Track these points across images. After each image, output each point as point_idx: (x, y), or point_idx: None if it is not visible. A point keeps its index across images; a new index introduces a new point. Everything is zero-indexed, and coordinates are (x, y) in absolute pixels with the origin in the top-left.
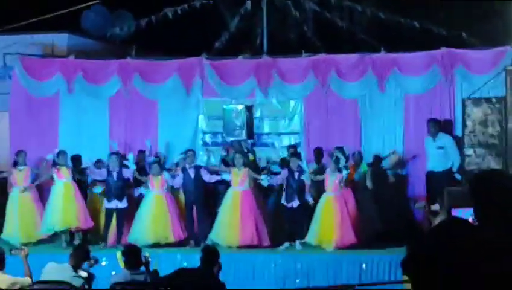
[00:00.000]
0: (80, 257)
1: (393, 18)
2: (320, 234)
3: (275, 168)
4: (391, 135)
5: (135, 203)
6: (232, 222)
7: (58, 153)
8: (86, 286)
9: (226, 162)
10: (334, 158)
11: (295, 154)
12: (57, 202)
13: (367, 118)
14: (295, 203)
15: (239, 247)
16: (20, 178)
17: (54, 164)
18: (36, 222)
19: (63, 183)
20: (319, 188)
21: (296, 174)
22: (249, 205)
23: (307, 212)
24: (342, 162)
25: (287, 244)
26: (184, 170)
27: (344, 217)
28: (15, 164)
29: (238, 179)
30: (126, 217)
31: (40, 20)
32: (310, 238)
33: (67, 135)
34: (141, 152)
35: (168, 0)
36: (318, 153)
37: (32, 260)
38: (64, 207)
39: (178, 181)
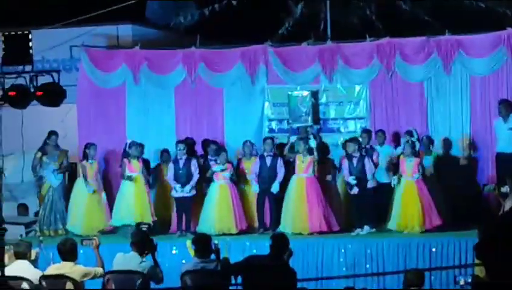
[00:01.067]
0: (141, 242)
1: None
2: (405, 220)
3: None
4: (458, 117)
5: (202, 191)
6: (299, 210)
7: (131, 144)
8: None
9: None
10: (409, 142)
11: (352, 139)
12: (128, 196)
13: (433, 101)
14: (355, 189)
15: (309, 234)
16: (90, 172)
17: (125, 155)
18: (100, 214)
19: (133, 177)
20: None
21: (354, 160)
22: (315, 191)
23: (372, 197)
24: (417, 145)
25: (359, 230)
26: (261, 157)
27: (426, 201)
28: (85, 156)
29: (303, 165)
30: (193, 205)
31: (104, 11)
32: (392, 224)
33: (135, 125)
34: (206, 141)
35: None
36: (383, 135)
37: (102, 250)
38: (137, 202)
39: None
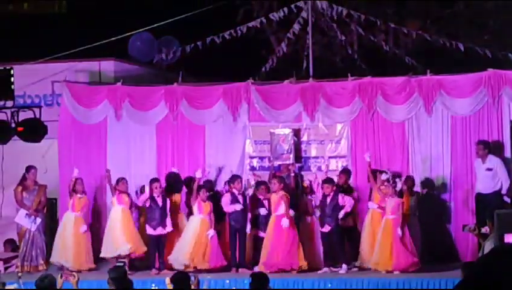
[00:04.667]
0: (119, 278)
1: (438, 40)
2: (379, 257)
3: None
4: (439, 157)
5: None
6: (277, 248)
7: (119, 179)
8: None
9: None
10: (391, 182)
11: (328, 180)
12: (116, 227)
13: (414, 141)
14: (326, 228)
15: (277, 272)
16: (79, 205)
17: (115, 188)
18: (87, 249)
19: (121, 209)
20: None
21: (328, 199)
22: (286, 230)
23: (343, 236)
24: (399, 185)
25: (325, 269)
26: (233, 195)
27: (402, 240)
28: (75, 191)
29: (277, 204)
30: (167, 241)
31: (86, 47)
32: (368, 261)
33: (115, 161)
34: (188, 178)
35: (213, 25)
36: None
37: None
38: (125, 233)
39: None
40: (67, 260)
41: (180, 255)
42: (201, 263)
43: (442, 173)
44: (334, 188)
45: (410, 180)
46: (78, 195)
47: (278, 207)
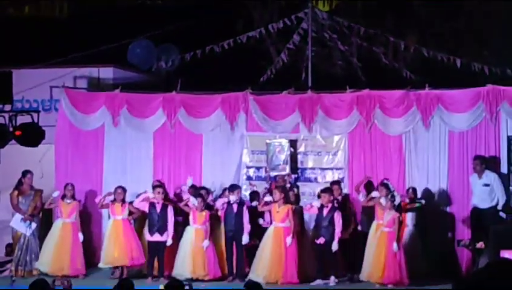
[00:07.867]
0: None
1: (437, 55)
2: (371, 269)
3: None
4: (435, 171)
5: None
6: (275, 260)
7: (115, 189)
8: None
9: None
10: (390, 195)
11: (326, 189)
12: (110, 239)
13: (411, 154)
14: (321, 239)
15: (281, 284)
16: (66, 211)
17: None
18: (71, 255)
19: (113, 220)
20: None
21: (325, 210)
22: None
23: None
24: (398, 199)
25: (318, 281)
26: (228, 204)
27: (395, 253)
28: (63, 196)
29: (280, 215)
30: (168, 250)
31: (86, 53)
32: (363, 275)
33: (112, 167)
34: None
35: (213, 34)
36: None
37: None
38: (117, 245)
39: None
40: (48, 265)
41: (183, 270)
42: (202, 275)
43: (439, 187)
44: (332, 198)
45: (414, 192)
46: (67, 200)
47: (284, 220)
